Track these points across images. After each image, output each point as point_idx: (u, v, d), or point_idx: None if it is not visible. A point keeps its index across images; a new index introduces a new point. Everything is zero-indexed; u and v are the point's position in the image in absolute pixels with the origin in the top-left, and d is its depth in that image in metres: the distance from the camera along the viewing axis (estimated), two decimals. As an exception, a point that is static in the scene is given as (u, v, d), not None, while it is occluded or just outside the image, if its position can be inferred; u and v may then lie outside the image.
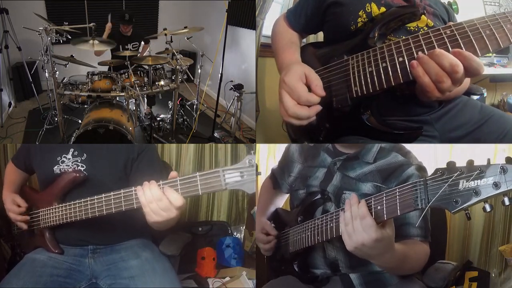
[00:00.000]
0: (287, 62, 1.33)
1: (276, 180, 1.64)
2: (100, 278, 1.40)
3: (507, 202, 0.80)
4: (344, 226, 1.02)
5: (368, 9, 1.24)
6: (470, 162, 0.84)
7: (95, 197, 1.22)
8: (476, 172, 0.81)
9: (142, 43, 3.44)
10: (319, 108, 1.13)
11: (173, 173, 1.06)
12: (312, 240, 1.25)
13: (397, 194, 0.95)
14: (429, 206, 0.88)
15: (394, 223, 1.01)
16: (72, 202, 1.30)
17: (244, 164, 0.97)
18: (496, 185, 0.79)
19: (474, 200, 0.81)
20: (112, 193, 1.17)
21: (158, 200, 1.01)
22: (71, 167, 1.43)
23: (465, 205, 0.82)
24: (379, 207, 0.98)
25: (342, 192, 1.30)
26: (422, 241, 1.21)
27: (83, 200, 1.26)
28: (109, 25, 3.38)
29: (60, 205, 1.35)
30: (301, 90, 1.12)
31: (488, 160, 0.82)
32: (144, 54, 3.45)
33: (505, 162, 0.79)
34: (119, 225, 1.45)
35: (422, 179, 0.91)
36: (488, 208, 0.83)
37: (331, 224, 1.16)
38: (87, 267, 1.42)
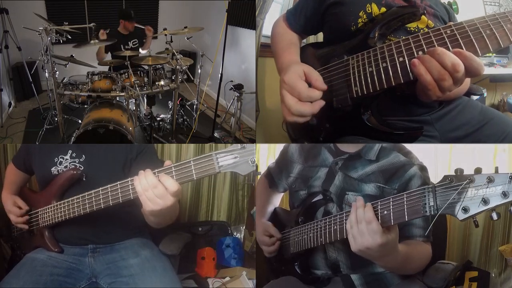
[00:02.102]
0: (287, 63, 1.32)
1: (272, 178, 1.63)
2: (100, 277, 1.40)
3: None
4: (349, 228, 1.03)
5: (368, 10, 1.24)
6: (478, 170, 0.85)
7: (92, 191, 1.22)
8: (485, 181, 0.82)
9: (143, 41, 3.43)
10: (322, 103, 1.12)
11: (167, 162, 1.07)
12: (315, 242, 1.25)
13: (405, 199, 0.96)
14: (439, 213, 0.88)
15: (397, 224, 1.01)
16: (70, 199, 1.30)
17: (236, 147, 0.99)
18: (504, 194, 0.80)
19: (482, 208, 0.82)
20: (108, 186, 1.17)
21: (153, 187, 1.02)
22: (69, 168, 1.43)
23: (473, 213, 0.83)
24: (385, 212, 0.98)
25: (345, 193, 1.30)
26: (424, 241, 1.21)
27: (80, 195, 1.26)
28: (102, 33, 3.37)
29: (58, 203, 1.35)
30: (301, 87, 1.11)
31: (496, 168, 0.83)
32: (144, 52, 3.45)
33: None
34: (118, 224, 1.45)
35: (430, 186, 0.91)
36: (495, 217, 0.84)
37: (335, 227, 1.16)
38: (87, 266, 1.42)
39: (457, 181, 0.86)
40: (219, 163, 0.99)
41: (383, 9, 1.23)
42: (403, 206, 0.95)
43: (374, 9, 1.24)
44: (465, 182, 0.84)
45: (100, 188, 1.20)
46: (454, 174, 0.87)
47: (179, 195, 1.04)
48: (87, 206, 1.24)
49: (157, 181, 1.02)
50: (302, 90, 1.11)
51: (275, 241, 1.44)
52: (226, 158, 0.99)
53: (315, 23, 1.43)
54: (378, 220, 0.98)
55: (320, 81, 1.13)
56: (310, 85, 1.14)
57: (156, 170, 1.05)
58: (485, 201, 0.81)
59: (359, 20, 1.25)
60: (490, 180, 0.81)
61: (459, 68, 0.91)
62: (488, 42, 0.92)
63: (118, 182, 1.15)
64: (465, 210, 0.84)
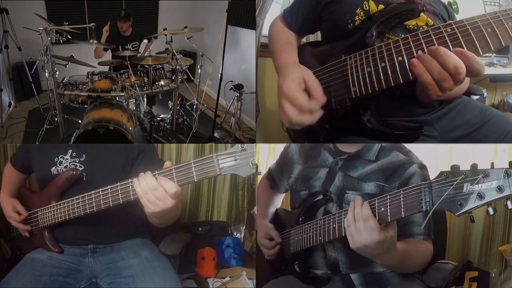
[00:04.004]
0: (285, 63, 1.32)
1: (273, 179, 1.63)
2: (100, 277, 1.40)
3: (510, 205, 0.82)
4: (347, 227, 1.03)
5: (365, 7, 1.23)
6: (474, 166, 0.85)
7: (92, 192, 1.22)
8: (480, 176, 0.82)
9: (145, 41, 3.43)
10: (321, 113, 1.12)
11: (167, 163, 1.07)
12: (314, 241, 1.25)
13: (401, 196, 0.96)
14: (434, 208, 0.88)
15: (397, 222, 1.01)
16: (70, 199, 1.30)
17: (237, 149, 0.99)
18: (500, 188, 0.80)
19: (478, 203, 0.83)
20: (109, 187, 1.17)
21: (153, 190, 1.02)
22: (69, 168, 1.43)
23: (469, 208, 0.84)
24: (382, 209, 0.99)
25: (345, 192, 1.30)
26: (425, 239, 1.21)
27: (80, 196, 1.26)
28: (106, 28, 3.37)
29: (58, 203, 1.35)
30: (302, 100, 1.11)
31: (492, 163, 0.83)
32: (145, 54, 3.45)
33: (508, 166, 0.81)
34: (118, 224, 1.45)
35: (426, 182, 0.92)
36: (491, 211, 0.84)
37: (334, 225, 1.16)
38: (87, 266, 1.42)
39: (453, 177, 0.86)
40: (220, 165, 0.99)
41: (381, 6, 1.22)
42: (400, 203, 0.96)
43: (372, 6, 1.23)
44: (461, 177, 0.85)
45: (100, 189, 1.20)
46: (450, 170, 0.88)
47: (179, 196, 1.05)
48: (87, 207, 1.24)
49: (157, 183, 1.02)
50: (303, 103, 1.10)
51: (275, 245, 1.44)
52: (227, 160, 0.99)
53: (312, 21, 1.42)
54: (376, 217, 0.98)
55: (321, 94, 1.12)
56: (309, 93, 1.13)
57: (156, 172, 1.05)
58: (480, 196, 0.82)
59: (356, 18, 1.24)
60: (485, 175, 0.82)
61: (461, 71, 0.89)
62: (489, 41, 0.91)
63: (118, 184, 1.15)
64: (461, 205, 0.84)
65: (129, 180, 1.12)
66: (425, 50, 0.97)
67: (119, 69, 2.96)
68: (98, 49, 3.39)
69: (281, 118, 1.17)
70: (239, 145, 0.99)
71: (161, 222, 1.24)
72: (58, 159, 1.45)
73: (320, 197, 1.34)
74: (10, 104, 3.83)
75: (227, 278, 2.17)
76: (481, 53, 0.92)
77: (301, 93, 1.12)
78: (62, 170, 1.43)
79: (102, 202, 1.20)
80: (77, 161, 1.44)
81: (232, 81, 3.47)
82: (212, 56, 3.58)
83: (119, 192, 1.15)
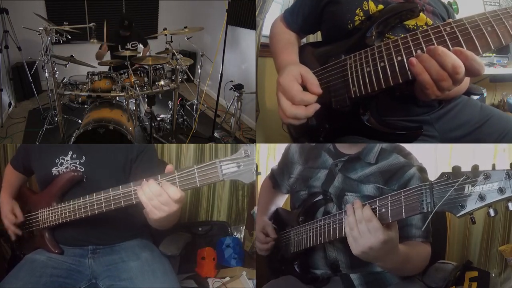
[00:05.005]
0: (285, 63, 1.32)
1: (275, 180, 1.64)
2: (99, 279, 1.40)
3: (511, 207, 0.81)
4: (349, 231, 1.02)
5: (365, 7, 1.23)
6: (475, 167, 0.85)
7: (94, 195, 1.22)
8: (481, 177, 0.82)
9: (141, 46, 3.44)
10: (317, 106, 1.11)
11: (169, 167, 1.06)
12: (314, 241, 1.25)
13: (403, 197, 0.95)
14: (435, 210, 0.88)
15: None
16: (71, 201, 1.30)
17: (240, 155, 0.98)
18: (501, 190, 0.80)
19: (479, 205, 0.82)
20: (111, 191, 1.17)
21: (158, 196, 1.02)
22: (69, 169, 1.43)
23: (470, 209, 0.83)
24: (383, 210, 0.98)
25: (344, 194, 1.30)
26: (424, 242, 1.21)
27: (82, 198, 1.26)
28: (104, 47, 3.36)
29: (59, 205, 1.35)
30: (295, 90, 1.11)
31: (493, 165, 0.83)
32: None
33: (510, 168, 0.80)
34: (118, 225, 1.45)
35: (427, 183, 0.91)
36: (492, 213, 0.84)
37: (334, 226, 1.16)
38: (87, 267, 1.42)
39: (454, 178, 0.86)
40: (222, 171, 0.99)
41: (381, 6, 1.21)
42: (401, 204, 0.95)
43: (371, 6, 1.23)
44: (462, 178, 0.84)
45: (102, 192, 1.20)
46: (451, 171, 0.87)
47: (183, 201, 1.05)
48: (89, 209, 1.24)
49: (161, 189, 1.02)
50: (296, 93, 1.11)
51: (269, 241, 1.44)
52: (230, 166, 0.99)
53: (312, 22, 1.42)
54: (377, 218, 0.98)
55: (316, 85, 1.12)
56: (305, 88, 1.13)
57: (159, 177, 1.05)
58: (481, 198, 0.82)
59: (356, 18, 1.23)
60: (486, 176, 0.81)
61: (459, 70, 0.89)
62: (489, 40, 0.90)
63: (121, 190, 1.15)
64: (462, 206, 0.84)
65: (132, 188, 1.12)
66: (424, 49, 0.97)
67: (119, 69, 2.97)
68: (100, 51, 3.39)
69: (279, 114, 1.17)
70: (242, 150, 0.98)
71: (163, 225, 1.24)
72: (59, 160, 1.45)
73: (320, 197, 1.34)
74: (10, 104, 3.84)
75: (227, 278, 2.17)
76: (481, 52, 0.91)
77: (295, 84, 1.12)
78: (63, 171, 1.43)
79: (104, 205, 1.20)
80: (77, 163, 1.44)
81: (232, 81, 3.47)
82: (212, 56, 3.58)
83: (121, 197, 1.15)
